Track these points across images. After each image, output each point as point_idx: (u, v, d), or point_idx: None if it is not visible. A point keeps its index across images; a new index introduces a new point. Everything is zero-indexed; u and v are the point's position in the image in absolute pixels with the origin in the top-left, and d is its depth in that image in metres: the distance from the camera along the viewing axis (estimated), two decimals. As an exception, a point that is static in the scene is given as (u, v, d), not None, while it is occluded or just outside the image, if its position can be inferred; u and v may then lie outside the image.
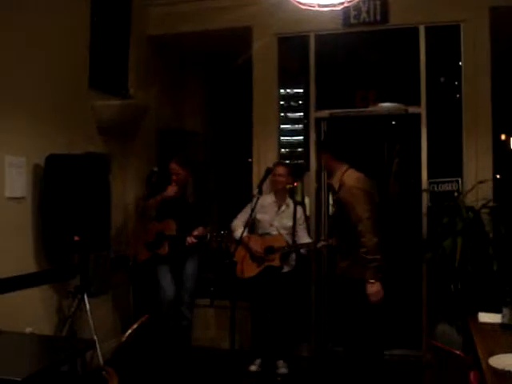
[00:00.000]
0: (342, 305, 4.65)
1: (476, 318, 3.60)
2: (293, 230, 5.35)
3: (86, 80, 5.39)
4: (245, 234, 5.06)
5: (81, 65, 5.34)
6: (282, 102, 6.40)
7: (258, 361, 5.48)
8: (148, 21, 6.33)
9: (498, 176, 7.05)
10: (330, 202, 6.26)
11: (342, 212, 4.37)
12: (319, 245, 5.29)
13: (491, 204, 5.13)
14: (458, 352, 2.85)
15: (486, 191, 5.24)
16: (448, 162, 5.68)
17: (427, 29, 5.65)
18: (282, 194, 5.46)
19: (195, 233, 5.29)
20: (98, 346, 4.58)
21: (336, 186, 4.49)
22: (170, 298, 5.37)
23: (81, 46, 5.34)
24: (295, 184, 6.80)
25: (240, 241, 5.04)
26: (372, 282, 4.13)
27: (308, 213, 6.16)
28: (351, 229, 4.24)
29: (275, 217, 5.39)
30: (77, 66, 5.29)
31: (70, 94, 5.14)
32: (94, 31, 5.49)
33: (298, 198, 6.41)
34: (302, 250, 5.37)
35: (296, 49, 6.21)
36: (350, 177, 4.45)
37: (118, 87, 5.88)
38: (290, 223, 5.36)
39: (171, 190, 5.33)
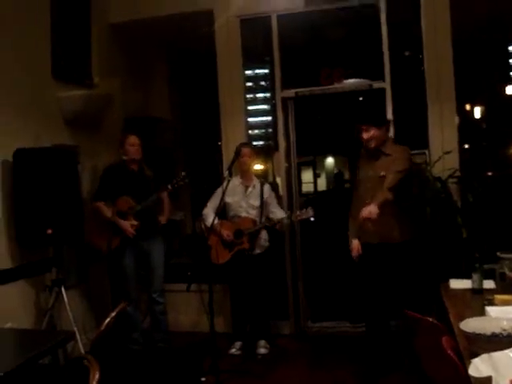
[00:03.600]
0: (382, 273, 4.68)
1: (447, 284, 3.70)
2: (261, 210, 5.42)
3: (49, 71, 5.34)
4: (216, 220, 5.10)
5: (43, 56, 5.29)
6: (249, 84, 6.42)
7: (239, 343, 5.55)
8: (109, 8, 6.26)
9: (465, 146, 7.16)
10: (304, 180, 6.35)
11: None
12: (297, 217, 5.35)
13: (458, 174, 5.22)
14: (430, 319, 2.92)
15: (453, 161, 5.32)
16: (414, 134, 5.76)
17: (388, 2, 5.68)
18: (248, 175, 5.53)
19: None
20: (78, 336, 4.62)
21: (391, 152, 4.66)
22: (133, 298, 5.37)
23: (42, 37, 5.28)
24: (262, 166, 6.86)
25: (211, 228, 5.10)
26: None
27: (281, 192, 6.22)
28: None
29: (243, 198, 5.45)
30: (39, 58, 5.24)
31: (33, 86, 5.10)
32: (55, 21, 5.41)
33: (270, 179, 6.46)
34: (278, 226, 5.44)
35: (259, 30, 6.21)
36: (400, 146, 4.78)
37: (82, 77, 5.83)
38: (257, 203, 5.43)
39: (130, 228, 5.20)
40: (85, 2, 5.91)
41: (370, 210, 4.32)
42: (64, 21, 5.57)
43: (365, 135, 4.68)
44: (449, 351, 2.49)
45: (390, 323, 4.81)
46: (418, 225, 4.70)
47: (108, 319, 3.20)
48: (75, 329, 4.62)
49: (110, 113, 6.09)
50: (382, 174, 4.56)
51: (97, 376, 2.23)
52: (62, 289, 4.78)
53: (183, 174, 5.19)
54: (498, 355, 2.05)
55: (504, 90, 8.71)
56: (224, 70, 6.09)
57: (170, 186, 5.20)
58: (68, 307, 4.75)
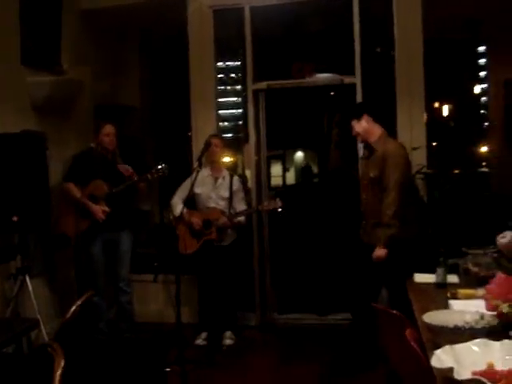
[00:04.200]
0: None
1: (412, 278, 3.76)
2: (230, 201, 5.43)
3: (17, 57, 5.25)
4: (184, 210, 5.09)
5: (11, 42, 5.20)
6: (220, 75, 6.40)
7: (204, 334, 5.55)
8: (80, -6, 6.19)
9: (433, 143, 7.25)
10: (273, 174, 6.39)
11: (380, 174, 4.46)
12: (264, 208, 5.40)
13: (425, 170, 5.30)
14: (394, 312, 2.97)
15: (420, 157, 5.40)
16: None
17: (361, -1, 5.73)
18: (217, 166, 5.53)
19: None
20: (42, 325, 4.57)
21: (378, 147, 4.54)
22: (100, 288, 5.32)
23: (11, 23, 5.19)
24: (232, 158, 6.86)
25: (180, 217, 5.08)
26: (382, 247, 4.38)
27: (250, 185, 6.23)
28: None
29: (213, 189, 5.45)
30: (7, 43, 5.15)
31: (1, 71, 5.01)
32: (24, 6, 5.32)
33: (239, 171, 6.47)
34: (241, 218, 5.44)
35: (232, 21, 6.20)
36: (394, 142, 4.67)
37: (52, 63, 5.74)
38: (226, 194, 5.45)
39: (101, 213, 5.14)
40: (55, -14, 5.83)
41: (377, 255, 4.39)
42: (34, 6, 5.47)
43: (352, 132, 4.68)
44: (412, 343, 2.53)
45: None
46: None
47: (74, 307, 3.17)
48: (39, 317, 4.57)
49: (79, 100, 6.02)
50: (371, 175, 4.50)
51: (62, 363, 2.21)
52: (27, 277, 4.73)
53: (164, 165, 5.09)
54: (460, 347, 2.09)
55: (472, 89, 8.87)
56: (196, 60, 6.07)
57: (149, 176, 5.13)
58: (32, 296, 4.70)
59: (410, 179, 4.63)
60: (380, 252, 4.38)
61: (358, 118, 4.62)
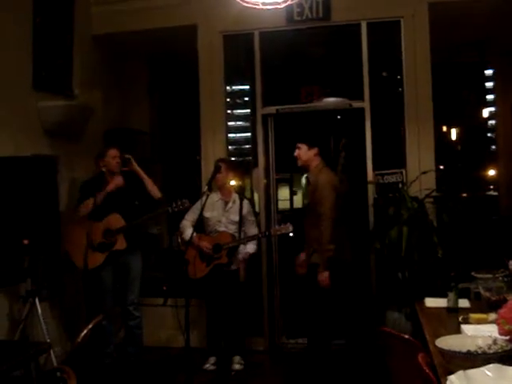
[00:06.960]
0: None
1: (423, 303, 3.74)
2: (239, 225, 5.44)
3: (29, 81, 5.32)
4: (194, 234, 5.09)
5: (24, 66, 5.27)
6: (228, 100, 6.45)
7: (213, 359, 5.51)
8: (92, 20, 6.28)
9: (441, 167, 7.25)
10: (280, 197, 6.40)
11: (313, 202, 4.80)
12: (276, 232, 5.42)
13: (434, 193, 5.30)
14: (406, 336, 2.96)
15: (429, 181, 5.41)
16: (392, 154, 5.83)
17: (369, 25, 5.78)
18: (226, 190, 5.53)
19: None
20: (51, 349, 4.55)
21: (312, 177, 4.90)
22: (108, 311, 5.26)
23: (23, 47, 5.27)
24: (240, 182, 6.87)
25: (190, 241, 5.08)
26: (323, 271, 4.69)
27: (257, 209, 6.23)
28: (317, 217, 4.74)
29: (223, 213, 5.45)
30: (20, 68, 5.22)
31: (13, 95, 5.08)
32: (37, 31, 5.41)
33: (248, 194, 6.47)
34: (253, 246, 5.44)
35: (241, 46, 6.27)
36: (326, 172, 4.91)
37: (63, 88, 5.81)
38: (237, 218, 5.45)
39: (117, 182, 5.22)
40: (68, 13, 5.92)
41: (321, 279, 4.69)
42: (46, 31, 5.56)
43: (296, 152, 4.96)
44: (425, 368, 2.52)
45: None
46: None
47: (85, 331, 3.17)
48: (48, 341, 4.56)
49: (90, 124, 6.07)
50: (306, 202, 4.82)
51: (74, 387, 2.21)
52: (36, 300, 4.73)
53: (185, 200, 5.19)
54: (473, 372, 2.09)
55: (480, 113, 8.90)
56: (206, 85, 6.13)
57: (170, 210, 5.20)
58: (41, 319, 4.70)
59: (339, 203, 4.81)
60: (322, 275, 4.68)
61: (310, 147, 4.93)
